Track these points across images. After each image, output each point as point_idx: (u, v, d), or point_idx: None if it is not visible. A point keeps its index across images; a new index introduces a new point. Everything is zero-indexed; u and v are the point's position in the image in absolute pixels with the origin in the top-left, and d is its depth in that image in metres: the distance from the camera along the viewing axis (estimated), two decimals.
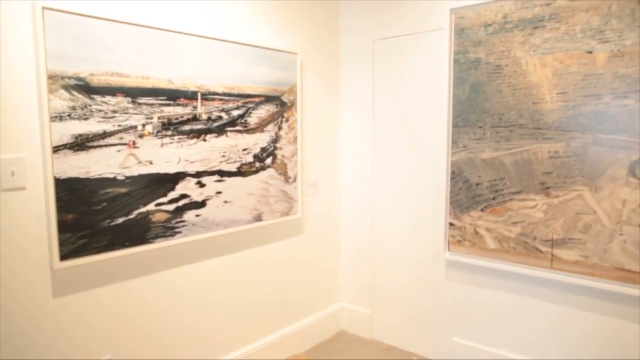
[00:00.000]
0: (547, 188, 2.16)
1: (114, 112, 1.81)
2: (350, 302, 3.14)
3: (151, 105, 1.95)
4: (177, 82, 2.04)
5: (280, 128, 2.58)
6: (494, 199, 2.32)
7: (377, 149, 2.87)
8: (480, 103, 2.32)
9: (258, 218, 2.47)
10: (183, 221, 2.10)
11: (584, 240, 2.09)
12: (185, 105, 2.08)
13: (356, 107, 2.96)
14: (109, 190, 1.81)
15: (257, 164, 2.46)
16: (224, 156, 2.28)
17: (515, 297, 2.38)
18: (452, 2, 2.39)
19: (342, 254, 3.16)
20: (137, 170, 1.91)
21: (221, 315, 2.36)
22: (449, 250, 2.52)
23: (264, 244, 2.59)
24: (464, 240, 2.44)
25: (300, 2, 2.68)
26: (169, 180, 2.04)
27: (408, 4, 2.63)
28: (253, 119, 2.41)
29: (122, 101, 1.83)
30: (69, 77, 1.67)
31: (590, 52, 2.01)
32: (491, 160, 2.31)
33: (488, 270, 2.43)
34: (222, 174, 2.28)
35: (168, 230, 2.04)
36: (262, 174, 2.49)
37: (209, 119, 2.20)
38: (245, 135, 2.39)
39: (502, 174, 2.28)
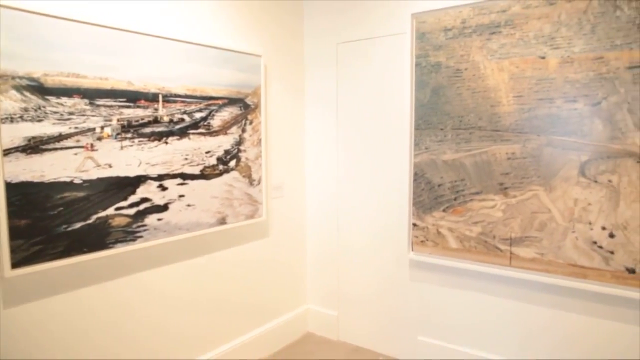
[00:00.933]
0: (506, 188, 2.24)
1: (70, 113, 1.75)
2: (317, 304, 3.15)
3: (110, 107, 1.90)
4: (138, 84, 1.99)
5: (244, 130, 2.56)
6: (455, 199, 2.38)
7: (341, 151, 2.89)
8: (441, 106, 2.37)
9: (222, 221, 2.45)
10: (144, 225, 2.05)
11: (540, 238, 2.17)
12: (146, 107, 2.04)
13: (321, 109, 2.97)
14: (66, 194, 1.75)
15: (221, 167, 2.43)
16: (186, 159, 2.24)
17: (477, 294, 2.44)
18: (414, 7, 2.45)
19: (308, 256, 3.16)
20: (95, 174, 1.85)
21: (186, 320, 2.32)
22: (412, 250, 2.56)
23: (229, 247, 2.56)
24: (427, 240, 2.49)
25: (264, 5, 2.68)
26: (130, 184, 1.99)
27: (371, 9, 2.67)
28: (216, 122, 2.39)
29: (79, 103, 1.78)
30: (21, 77, 1.61)
31: (543, 58, 2.09)
32: (452, 162, 2.37)
33: (450, 269, 2.49)
34: (185, 177, 2.24)
35: (129, 234, 1.99)
36: (226, 176, 2.46)
37: (171, 121, 2.16)
38: (208, 137, 2.36)
39: (463, 175, 2.35)
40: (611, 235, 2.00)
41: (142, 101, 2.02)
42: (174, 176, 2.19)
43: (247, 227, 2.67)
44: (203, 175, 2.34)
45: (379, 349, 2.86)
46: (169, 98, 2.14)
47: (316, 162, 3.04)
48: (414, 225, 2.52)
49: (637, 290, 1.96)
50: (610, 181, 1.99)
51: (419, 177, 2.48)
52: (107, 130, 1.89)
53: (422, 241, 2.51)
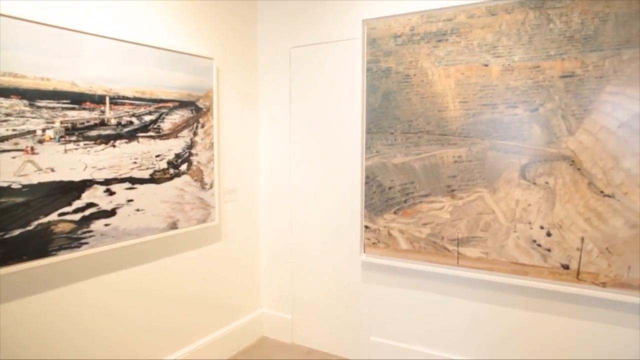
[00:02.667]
0: (453, 190, 2.32)
1: (8, 115, 1.67)
2: (271, 307, 3.14)
3: (52, 108, 1.83)
4: (82, 85, 1.93)
5: (195, 134, 2.53)
6: (405, 201, 2.44)
7: (294, 154, 2.91)
8: (392, 110, 2.44)
9: (173, 226, 2.40)
10: (90, 231, 1.98)
11: (485, 238, 2.26)
12: (91, 110, 1.97)
13: (274, 113, 2.98)
14: (3, 200, 1.67)
15: (172, 171, 2.39)
16: (135, 163, 2.19)
17: (427, 294, 2.52)
18: (364, 13, 2.50)
19: (261, 260, 3.15)
20: (36, 178, 1.78)
21: (135, 328, 2.26)
22: (364, 252, 2.61)
23: (181, 252, 2.52)
24: (379, 242, 2.54)
25: (216, 8, 2.66)
26: (74, 189, 1.92)
27: (323, 14, 2.70)
28: (166, 125, 2.35)
29: (18, 104, 1.70)
30: None
31: (486, 65, 2.19)
32: (402, 165, 2.44)
33: (401, 270, 2.56)
34: (134, 181, 2.19)
35: (73, 241, 1.92)
36: (177, 180, 2.42)
37: (119, 124, 2.11)
38: (158, 141, 2.31)
39: (413, 178, 2.42)
40: (548, 234, 2.11)
41: (88, 103, 1.96)
42: (122, 180, 2.13)
43: (200, 231, 2.63)
44: (153, 180, 2.29)
45: (332, 351, 2.89)
46: (116, 100, 2.08)
47: (270, 165, 3.04)
48: (366, 227, 2.57)
49: (571, 285, 2.08)
50: (547, 183, 2.10)
51: (371, 180, 2.53)
52: (50, 133, 1.82)
53: (373, 243, 2.56)
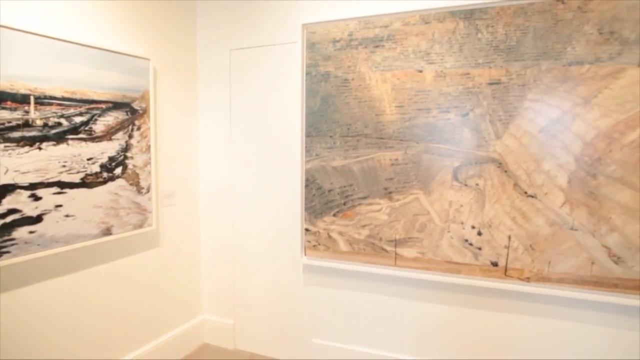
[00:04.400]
0: (390, 193, 2.38)
1: None
2: (213, 313, 3.09)
3: None
4: (3, 83, 1.82)
5: (131, 136, 2.45)
6: (344, 204, 2.48)
7: (235, 157, 2.88)
8: (331, 114, 2.47)
9: (107, 232, 2.31)
10: (12, 239, 1.87)
11: (421, 239, 2.34)
12: (13, 109, 1.86)
13: (214, 115, 2.93)
14: None
15: (105, 175, 2.30)
16: (64, 166, 2.09)
17: (367, 294, 2.57)
18: (304, 18, 2.52)
19: (202, 265, 3.10)
20: None
21: (63, 342, 2.15)
22: (305, 255, 2.62)
23: (116, 259, 2.43)
24: (319, 244, 2.57)
25: (154, 5, 2.59)
26: None
27: (264, 17, 2.70)
28: (99, 127, 2.25)
29: None
30: None
31: (420, 71, 2.27)
32: (341, 168, 2.48)
33: (342, 271, 2.59)
34: (63, 185, 2.08)
35: None
36: (111, 184, 2.33)
37: (46, 125, 2.00)
38: (90, 143, 2.22)
39: (351, 181, 2.46)
40: (479, 233, 2.22)
41: (9, 102, 1.85)
42: (50, 185, 2.03)
43: (136, 237, 2.55)
44: (84, 184, 2.19)
45: (275, 355, 2.88)
46: (42, 100, 1.98)
47: (210, 169, 2.99)
48: (307, 230, 2.59)
49: (500, 281, 2.19)
50: (477, 185, 2.21)
51: (311, 183, 2.55)
52: None
53: (314, 245, 2.58)
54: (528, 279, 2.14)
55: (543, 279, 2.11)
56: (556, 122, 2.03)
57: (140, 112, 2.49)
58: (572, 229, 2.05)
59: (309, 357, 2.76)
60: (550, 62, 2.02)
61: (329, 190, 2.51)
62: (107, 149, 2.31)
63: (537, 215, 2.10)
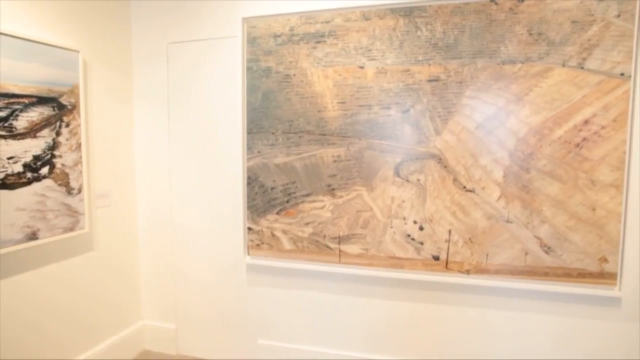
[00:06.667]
0: (333, 189, 2.37)
1: None
2: (154, 318, 2.95)
3: None
4: None
5: (59, 134, 2.27)
6: (287, 201, 2.44)
7: (174, 156, 2.75)
8: (272, 110, 2.42)
9: (33, 236, 2.13)
10: None
11: (364, 235, 2.34)
12: None
13: (151, 112, 2.79)
14: None
15: (29, 175, 2.12)
16: None
17: (312, 293, 2.54)
18: (244, 12, 2.45)
19: (141, 268, 2.94)
20: None
21: None
22: (249, 254, 2.56)
23: (44, 264, 2.25)
24: (262, 243, 2.51)
25: None
26: None
27: (203, 9, 2.60)
28: (21, 123, 2.07)
29: None
30: None
31: (362, 67, 2.27)
32: (284, 165, 2.43)
33: (286, 270, 2.55)
34: None
35: None
36: (36, 185, 2.15)
37: None
38: (10, 141, 2.03)
39: (294, 178, 2.42)
40: (421, 228, 2.25)
41: None
42: None
43: (67, 241, 2.37)
44: (5, 185, 2.00)
45: (219, 358, 2.79)
46: None
47: (148, 167, 2.84)
48: (249, 229, 2.52)
49: (441, 275, 2.24)
50: (418, 180, 2.24)
51: (253, 181, 2.49)
52: None
53: (257, 245, 2.52)
54: (468, 272, 2.20)
55: (482, 270, 2.18)
56: (492, 119, 2.10)
57: (70, 107, 2.32)
58: (507, 221, 2.13)
59: (255, 358, 2.70)
60: (486, 60, 2.08)
61: (272, 188, 2.46)
62: (32, 147, 2.12)
63: (476, 209, 2.16)
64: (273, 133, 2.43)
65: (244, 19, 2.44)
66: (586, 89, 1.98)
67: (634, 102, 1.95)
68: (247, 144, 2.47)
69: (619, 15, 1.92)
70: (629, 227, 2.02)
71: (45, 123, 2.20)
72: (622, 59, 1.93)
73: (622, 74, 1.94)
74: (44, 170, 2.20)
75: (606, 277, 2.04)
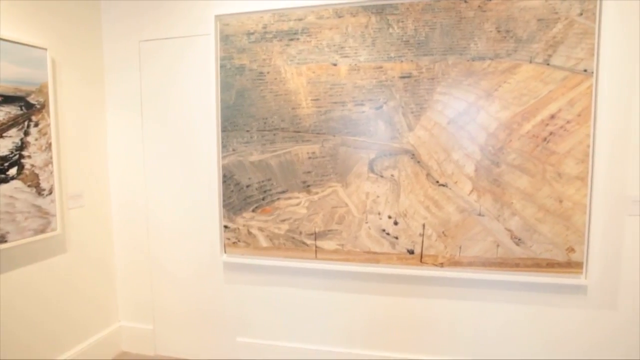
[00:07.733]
0: (308, 186, 2.38)
1: None
2: (131, 319, 2.91)
3: None
4: None
5: (27, 133, 2.22)
6: (263, 199, 2.44)
7: (148, 154, 2.72)
8: (247, 108, 2.41)
9: (1, 239, 2.08)
10: None
11: (340, 231, 2.36)
12: None
13: (124, 110, 2.75)
14: None
15: None
16: None
17: (289, 289, 2.55)
18: (217, 9, 2.44)
19: (116, 269, 2.90)
20: None
21: None
22: (225, 252, 2.55)
23: (14, 268, 2.19)
24: (239, 241, 2.51)
25: None
26: None
27: (175, 6, 2.57)
28: None
29: None
30: None
31: (335, 65, 2.29)
32: (259, 163, 2.43)
33: (263, 268, 2.55)
34: None
35: None
36: (4, 187, 2.10)
37: None
38: None
39: (270, 175, 2.42)
40: (395, 223, 2.28)
41: None
42: None
43: (38, 243, 2.32)
44: None
45: (198, 357, 2.78)
46: None
47: (122, 166, 2.80)
48: (225, 227, 2.52)
49: (416, 268, 2.28)
50: (392, 176, 2.27)
51: (228, 179, 2.48)
52: None
53: (234, 242, 2.52)
54: (442, 265, 2.25)
55: (455, 263, 2.23)
56: (463, 114, 2.14)
57: (38, 106, 2.26)
58: (479, 214, 2.18)
59: (233, 357, 2.69)
60: (456, 57, 2.12)
61: (247, 186, 2.46)
62: None
63: (449, 203, 2.21)
64: (248, 131, 2.42)
65: (216, 16, 2.42)
66: (552, 85, 2.04)
67: (596, 97, 2.02)
68: (222, 142, 2.46)
69: (581, 14, 1.99)
70: (593, 218, 2.09)
71: (13, 123, 2.15)
72: (585, 56, 2.00)
73: (585, 70, 2.00)
74: (12, 171, 2.14)
75: (573, 266, 2.11)
